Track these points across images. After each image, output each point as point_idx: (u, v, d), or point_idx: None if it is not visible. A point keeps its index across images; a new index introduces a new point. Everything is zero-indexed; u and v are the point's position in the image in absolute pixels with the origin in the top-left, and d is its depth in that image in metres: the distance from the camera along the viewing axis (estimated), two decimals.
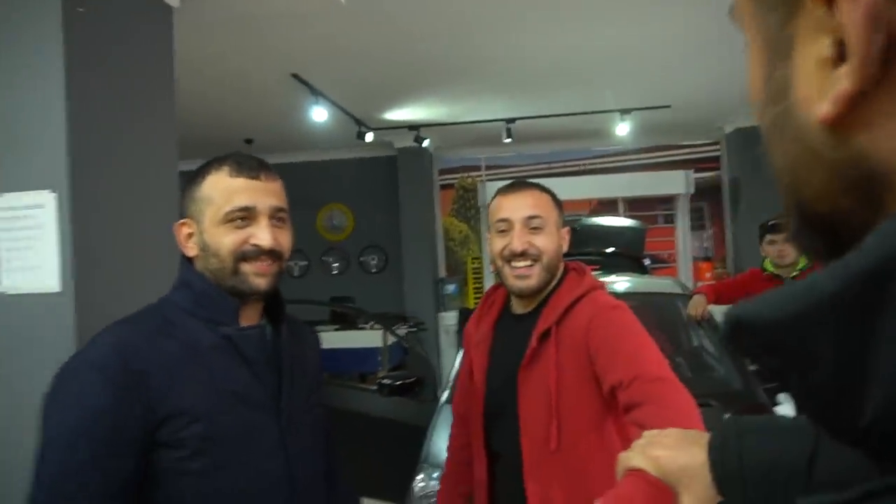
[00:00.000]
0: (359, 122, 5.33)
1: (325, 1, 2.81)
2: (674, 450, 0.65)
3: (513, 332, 1.39)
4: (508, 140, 5.61)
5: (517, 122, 5.47)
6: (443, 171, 7.21)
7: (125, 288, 1.72)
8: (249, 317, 1.07)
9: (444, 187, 7.26)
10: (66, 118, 1.55)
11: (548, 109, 5.33)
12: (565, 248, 1.40)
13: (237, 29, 3.30)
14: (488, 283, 6.77)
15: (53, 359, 1.62)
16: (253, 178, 1.03)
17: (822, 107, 0.26)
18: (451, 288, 6.58)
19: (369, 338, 5.36)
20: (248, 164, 1.04)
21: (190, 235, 1.05)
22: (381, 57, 3.90)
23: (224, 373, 1.00)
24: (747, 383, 2.52)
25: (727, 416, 2.23)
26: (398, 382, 2.72)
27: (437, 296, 6.52)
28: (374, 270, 6.82)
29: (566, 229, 1.41)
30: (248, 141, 5.92)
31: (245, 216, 1.02)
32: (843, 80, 0.25)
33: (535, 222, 1.34)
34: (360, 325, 5.73)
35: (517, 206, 1.36)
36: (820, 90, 0.26)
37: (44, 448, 0.93)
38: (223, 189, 1.02)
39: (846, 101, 0.25)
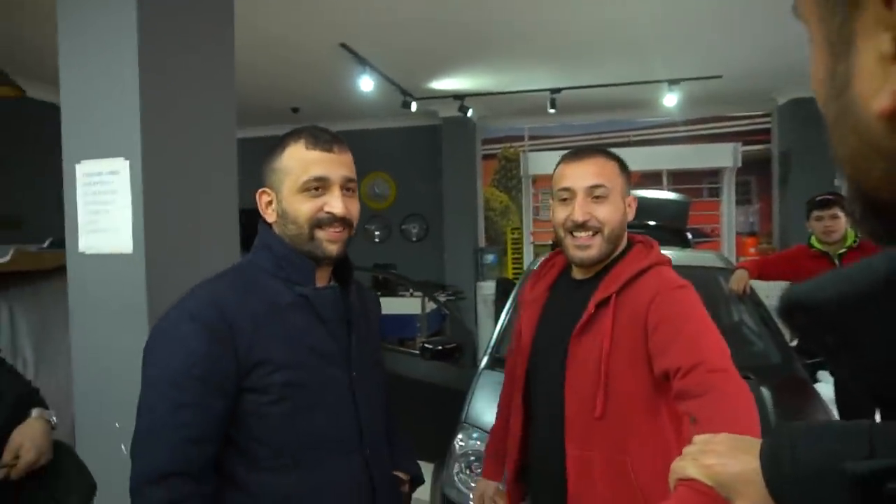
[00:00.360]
0: (404, 91, 5.37)
1: None
2: (726, 457, 0.64)
3: (570, 296, 1.38)
4: (553, 111, 5.57)
5: (562, 92, 5.43)
6: (486, 141, 7.20)
7: (190, 249, 1.84)
8: (322, 278, 1.17)
9: (486, 157, 7.25)
10: (139, 90, 1.65)
11: (593, 79, 5.27)
12: (630, 217, 1.36)
13: (289, 0, 3.36)
14: (527, 254, 6.80)
15: (126, 314, 1.76)
16: (327, 150, 1.11)
17: (881, 100, 0.27)
18: (490, 258, 6.65)
19: (409, 305, 5.50)
20: (323, 137, 1.12)
21: (269, 203, 1.15)
22: (428, 27, 3.92)
23: (302, 328, 1.10)
24: (786, 358, 2.53)
25: (765, 388, 2.26)
26: (440, 347, 2.82)
27: (476, 265, 6.60)
28: (414, 239, 6.92)
29: (632, 197, 1.36)
30: (295, 110, 6.03)
31: (320, 185, 1.10)
32: None
33: (599, 191, 1.30)
34: (400, 293, 5.87)
35: (580, 175, 1.31)
36: (880, 85, 0.27)
37: (150, 386, 1.05)
38: (300, 160, 1.11)
39: None
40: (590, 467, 1.25)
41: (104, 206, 1.72)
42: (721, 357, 1.14)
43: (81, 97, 1.73)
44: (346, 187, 1.13)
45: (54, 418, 1.43)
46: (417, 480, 1.38)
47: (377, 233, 6.98)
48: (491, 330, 3.86)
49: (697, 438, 0.73)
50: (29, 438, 1.35)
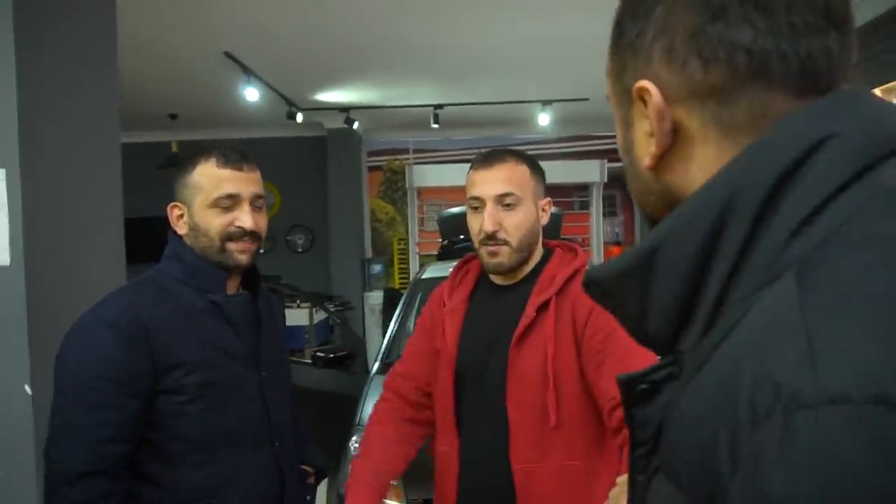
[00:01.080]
0: (289, 102, 5.35)
1: None
2: None
3: (494, 302, 1.33)
4: (436, 125, 5.79)
5: (445, 108, 5.66)
6: (371, 154, 7.30)
7: (73, 260, 1.78)
8: (232, 286, 1.25)
9: (371, 169, 7.35)
10: (16, 97, 1.60)
11: (474, 97, 5.55)
12: (545, 221, 1.34)
13: (172, 5, 3.28)
14: (413, 264, 6.96)
15: (4, 327, 1.67)
16: (237, 168, 1.19)
17: (645, 160, 0.47)
18: (377, 268, 6.73)
19: (297, 316, 5.45)
20: (234, 156, 1.20)
21: (181, 216, 1.22)
22: (314, 38, 3.97)
23: (214, 332, 1.18)
24: None
25: None
26: (332, 355, 2.88)
27: (363, 276, 6.65)
28: (300, 250, 6.85)
29: (547, 200, 1.33)
30: (173, 116, 5.80)
31: (230, 202, 1.18)
32: (653, 146, 0.46)
33: (509, 199, 1.26)
34: (287, 304, 5.78)
35: (490, 183, 1.27)
36: (645, 151, 0.47)
37: (64, 390, 1.09)
38: (211, 178, 1.18)
39: (655, 157, 0.46)
40: (539, 480, 1.21)
41: None
42: None
43: None
44: (254, 203, 1.22)
45: None
46: (323, 472, 1.47)
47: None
48: (379, 339, 3.95)
49: (620, 480, 0.80)
50: None
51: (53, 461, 1.06)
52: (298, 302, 5.41)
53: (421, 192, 6.88)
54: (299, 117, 5.51)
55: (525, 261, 1.31)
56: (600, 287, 0.47)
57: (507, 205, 1.26)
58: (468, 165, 1.37)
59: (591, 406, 1.22)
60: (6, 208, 1.63)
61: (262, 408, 1.23)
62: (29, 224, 1.66)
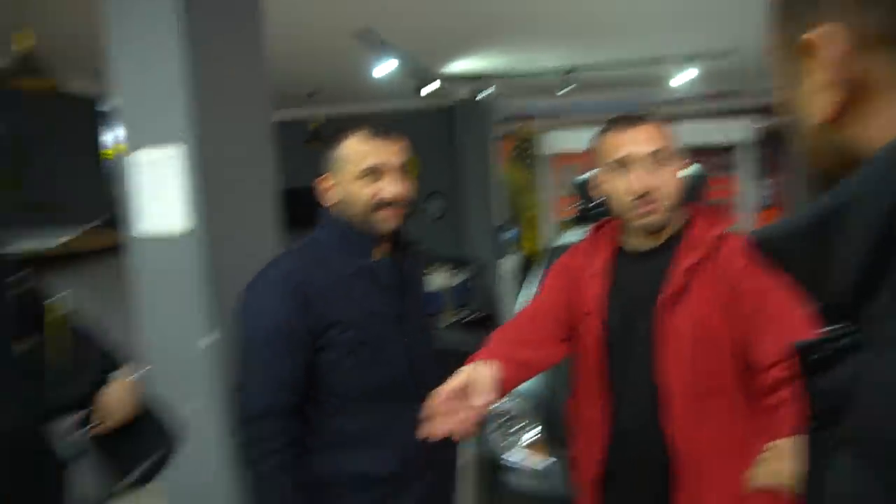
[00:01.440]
0: (420, 72, 5.46)
1: None
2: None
3: (634, 268, 1.31)
4: (567, 89, 5.63)
5: (576, 71, 5.48)
6: (501, 121, 7.27)
7: (238, 226, 1.99)
8: (380, 251, 1.36)
9: (501, 137, 7.33)
10: (191, 79, 1.81)
11: (608, 57, 5.32)
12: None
13: None
14: (546, 230, 6.89)
15: (183, 291, 1.90)
16: (384, 139, 1.29)
17: (820, 115, 0.45)
18: (510, 235, 6.76)
19: (435, 279, 5.66)
20: (381, 129, 1.31)
21: (331, 188, 1.34)
22: (444, 9, 4.00)
23: (364, 294, 1.31)
24: None
25: None
26: (469, 318, 2.98)
27: (496, 242, 6.71)
28: (435, 217, 7.03)
29: (685, 161, 1.32)
30: (311, 94, 6.14)
31: (377, 172, 1.28)
32: (828, 100, 0.43)
33: (660, 156, 1.23)
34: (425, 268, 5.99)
35: (639, 142, 1.24)
36: (819, 105, 0.44)
37: (249, 343, 1.29)
38: (359, 150, 1.30)
39: (833, 112, 0.44)
40: (695, 447, 1.19)
41: (160, 191, 1.86)
42: None
43: (133, 89, 1.87)
44: (401, 171, 1.32)
45: (138, 374, 1.52)
46: None
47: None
48: (512, 304, 3.98)
49: (774, 444, 0.79)
50: (112, 400, 1.40)
51: (239, 404, 1.26)
52: (437, 265, 5.60)
53: (553, 157, 6.76)
54: (430, 88, 5.61)
55: (673, 220, 1.29)
56: (773, 247, 0.45)
57: (659, 161, 1.23)
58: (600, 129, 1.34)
59: (742, 369, 1.18)
60: (186, 180, 1.85)
61: (407, 367, 1.34)
62: (203, 194, 1.87)
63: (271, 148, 2.19)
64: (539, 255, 5.30)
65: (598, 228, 1.45)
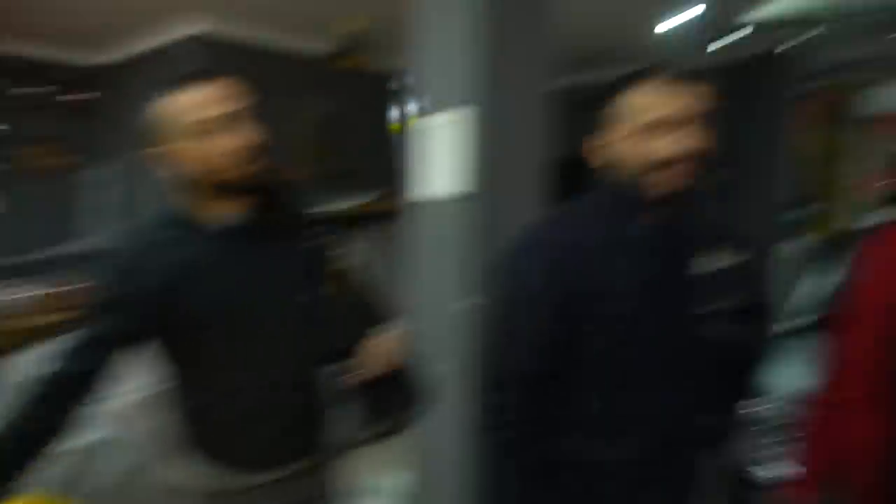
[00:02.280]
0: (718, 24, 4.89)
1: None
2: None
3: None
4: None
5: None
6: (810, 76, 6.19)
7: (523, 191, 2.01)
8: (654, 216, 1.22)
9: (808, 96, 6.26)
10: (484, 45, 1.84)
11: None
12: None
13: None
14: (856, 208, 5.74)
15: (452, 255, 1.98)
16: (672, 89, 1.13)
17: None
18: (804, 213, 5.81)
19: (707, 262, 5.14)
20: (665, 77, 1.14)
21: (604, 147, 1.21)
22: None
23: (628, 265, 1.19)
24: None
25: None
26: (739, 307, 2.61)
27: (781, 221, 5.83)
28: (719, 187, 6.37)
29: None
30: (595, 55, 5.92)
31: (663, 125, 1.12)
32: None
33: None
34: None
35: None
36: None
37: (504, 308, 1.25)
38: (642, 102, 1.13)
39: None
40: None
41: (438, 156, 1.94)
42: None
43: (427, 60, 1.98)
44: (693, 124, 1.12)
45: (404, 330, 1.58)
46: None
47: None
48: (790, 294, 3.41)
49: None
50: (377, 351, 1.48)
51: (490, 366, 1.22)
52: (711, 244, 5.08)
53: (876, 119, 5.55)
54: (722, 41, 5.01)
55: None
56: None
57: None
58: None
59: None
60: (469, 144, 1.90)
61: (666, 349, 1.20)
62: (486, 158, 1.92)
63: (547, 115, 2.15)
64: (846, 237, 4.44)
65: None
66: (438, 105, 1.97)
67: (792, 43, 5.24)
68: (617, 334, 1.16)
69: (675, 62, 4.64)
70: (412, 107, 2.07)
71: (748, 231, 5.32)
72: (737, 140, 5.90)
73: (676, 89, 1.12)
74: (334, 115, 4.89)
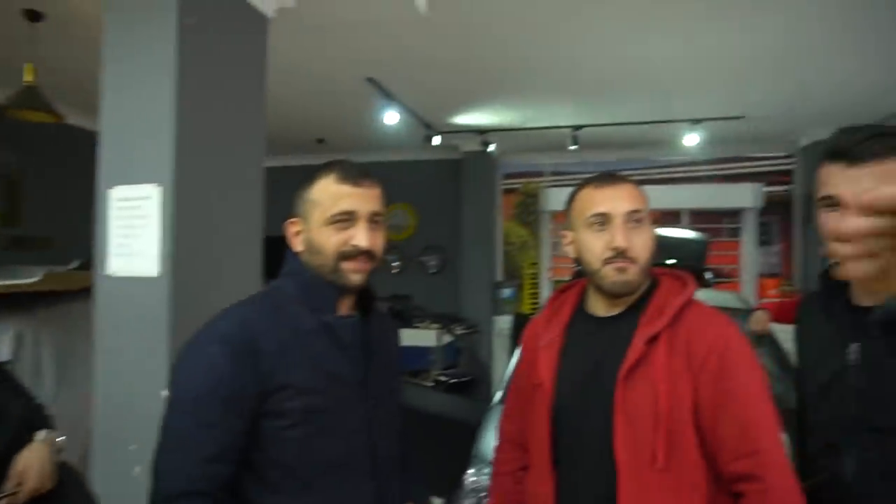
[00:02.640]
0: (427, 125, 5.46)
1: (404, 10, 2.94)
2: None
3: (594, 335, 1.26)
4: (574, 147, 5.62)
5: (583, 129, 5.48)
6: (506, 176, 7.26)
7: (215, 274, 1.88)
8: (344, 307, 1.21)
9: (506, 192, 7.31)
10: (174, 120, 1.72)
11: (614, 117, 5.32)
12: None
13: (318, 33, 3.47)
14: (545, 289, 6.77)
15: (149, 337, 1.79)
16: (356, 185, 1.16)
17: None
18: (507, 292, 6.63)
19: (424, 337, 5.49)
20: (353, 171, 1.17)
21: (298, 233, 1.20)
22: (453, 64, 4.01)
23: (323, 354, 1.14)
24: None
25: (784, 435, 2.20)
26: (454, 380, 2.82)
27: (493, 300, 6.59)
28: (432, 271, 6.95)
29: (655, 225, 1.26)
30: (321, 141, 6.16)
31: (347, 219, 1.15)
32: None
33: (636, 216, 1.21)
34: (415, 324, 5.87)
35: (618, 199, 1.21)
36: None
37: (175, 405, 1.08)
38: (330, 194, 1.15)
39: None
40: None
41: (134, 231, 1.77)
42: (782, 466, 1.08)
43: (120, 124, 1.80)
44: (372, 220, 1.17)
45: (60, 440, 1.42)
46: None
47: (395, 263, 7.02)
48: (505, 364, 3.84)
49: None
50: (33, 465, 1.32)
51: (157, 476, 1.06)
52: (428, 322, 5.45)
53: (555, 215, 6.71)
54: (436, 140, 5.61)
55: (642, 284, 1.24)
56: None
57: (637, 221, 1.21)
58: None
59: (702, 448, 1.12)
60: (159, 223, 1.76)
61: (367, 439, 1.16)
62: (178, 238, 1.78)
63: (259, 195, 2.11)
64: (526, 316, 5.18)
65: (560, 293, 1.39)
66: (129, 176, 1.80)
67: (494, 146, 6.11)
68: (314, 427, 1.09)
69: (399, 156, 5.01)
70: (106, 174, 1.86)
71: (470, 308, 5.79)
72: (459, 227, 6.61)
73: (360, 183, 1.15)
74: (20, 173, 4.20)
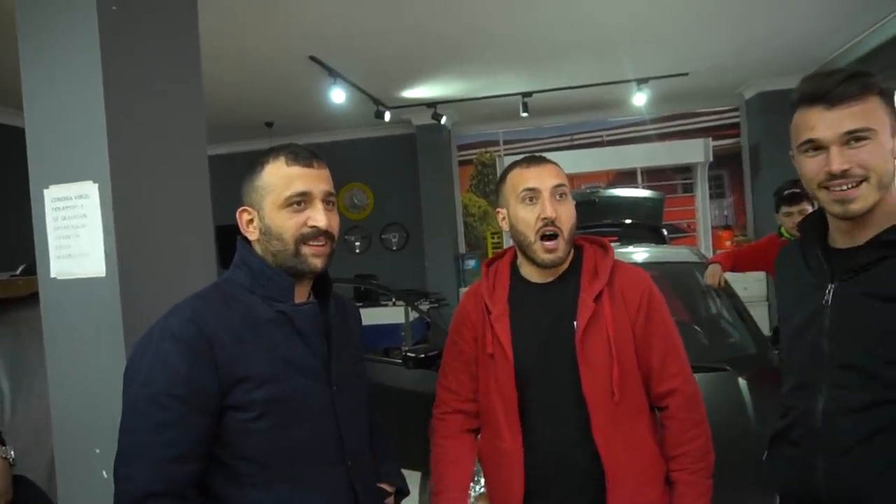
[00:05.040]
0: (377, 101, 5.38)
1: None
2: None
3: (539, 301, 1.39)
4: (525, 114, 5.62)
5: (534, 95, 5.48)
6: (461, 147, 7.23)
7: (165, 269, 1.82)
8: (301, 294, 1.17)
9: (462, 163, 7.28)
10: (104, 111, 1.64)
11: (564, 82, 5.33)
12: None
13: (256, 13, 3.36)
14: None
15: (101, 338, 1.73)
16: (307, 165, 1.12)
17: None
18: (471, 263, 6.67)
19: (392, 314, 5.48)
20: (302, 153, 1.13)
21: (251, 221, 1.15)
22: (398, 36, 3.94)
23: (281, 344, 1.11)
24: (762, 348, 2.57)
25: (741, 379, 2.29)
26: (423, 355, 2.82)
27: (457, 271, 6.61)
28: (394, 248, 6.92)
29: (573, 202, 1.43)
30: (269, 124, 6.01)
31: (302, 200, 1.11)
32: None
33: (561, 190, 1.36)
34: (382, 302, 5.85)
35: (544, 176, 1.36)
36: None
37: (132, 406, 1.04)
38: (281, 177, 1.11)
39: None
40: (616, 451, 1.32)
41: (75, 231, 1.69)
42: (692, 378, 1.40)
43: (46, 121, 1.71)
44: (326, 201, 1.14)
45: (12, 454, 1.39)
46: (403, 492, 1.36)
47: (357, 243, 6.97)
48: None
49: None
50: None
51: (120, 480, 1.02)
52: (393, 300, 5.44)
53: None
54: (387, 116, 5.54)
55: (569, 253, 1.40)
56: None
57: (561, 195, 1.36)
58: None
59: (640, 383, 1.38)
60: (101, 221, 1.69)
61: (333, 425, 1.14)
62: (121, 236, 1.71)
63: (205, 183, 2.04)
64: None
65: (491, 263, 1.50)
66: (62, 174, 1.71)
67: (445, 119, 6.06)
68: (279, 418, 1.06)
69: (350, 135, 4.94)
70: (38, 174, 1.77)
71: (435, 282, 5.78)
72: (418, 203, 6.57)
73: (311, 163, 1.12)
74: None
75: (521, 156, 1.50)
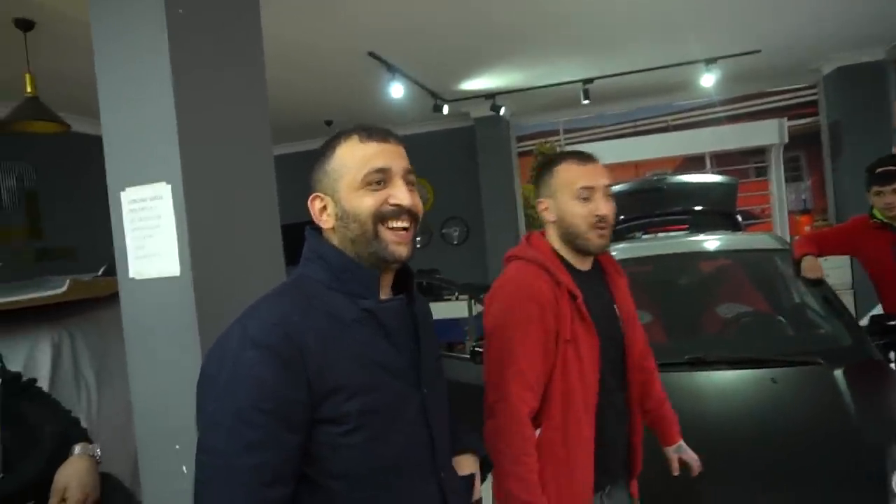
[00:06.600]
0: (435, 95, 5.36)
1: None
2: None
3: (589, 287, 1.52)
4: (586, 102, 5.47)
5: (595, 81, 5.33)
6: (520, 139, 7.13)
7: (237, 267, 1.85)
8: (384, 287, 1.07)
9: (522, 154, 7.18)
10: (175, 115, 1.67)
11: (626, 66, 5.15)
12: None
13: (314, 11, 3.39)
14: None
15: (176, 336, 1.77)
16: (383, 140, 1.03)
17: None
18: None
19: (455, 309, 5.46)
20: (376, 129, 1.04)
21: (324, 208, 1.04)
22: (454, 28, 3.89)
23: (371, 346, 0.99)
24: (858, 339, 2.39)
25: (837, 372, 2.14)
26: None
27: None
28: (455, 242, 6.90)
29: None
30: (328, 122, 6.09)
31: (381, 178, 1.01)
32: None
33: (609, 189, 1.51)
34: (445, 297, 5.85)
35: (598, 175, 1.50)
36: None
37: (213, 423, 0.91)
38: (357, 155, 1.01)
39: None
40: (638, 416, 1.60)
41: (150, 231, 1.74)
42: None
43: (121, 127, 1.76)
44: (407, 179, 1.04)
45: (98, 451, 1.40)
46: (488, 462, 1.28)
47: (418, 238, 6.98)
48: None
49: None
50: (74, 478, 1.30)
51: None
52: (456, 295, 5.41)
53: None
54: (445, 109, 5.51)
55: None
56: None
57: (608, 194, 1.50)
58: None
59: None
60: (174, 221, 1.72)
61: (426, 432, 1.03)
62: (194, 235, 1.74)
63: (271, 181, 2.06)
64: None
65: (538, 256, 1.51)
66: (136, 177, 1.76)
67: (505, 110, 5.98)
68: (374, 430, 0.95)
69: (408, 130, 4.94)
70: (115, 177, 1.83)
71: (499, 271, 5.72)
72: (478, 195, 6.53)
73: (386, 140, 1.03)
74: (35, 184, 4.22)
75: (581, 145, 1.51)
